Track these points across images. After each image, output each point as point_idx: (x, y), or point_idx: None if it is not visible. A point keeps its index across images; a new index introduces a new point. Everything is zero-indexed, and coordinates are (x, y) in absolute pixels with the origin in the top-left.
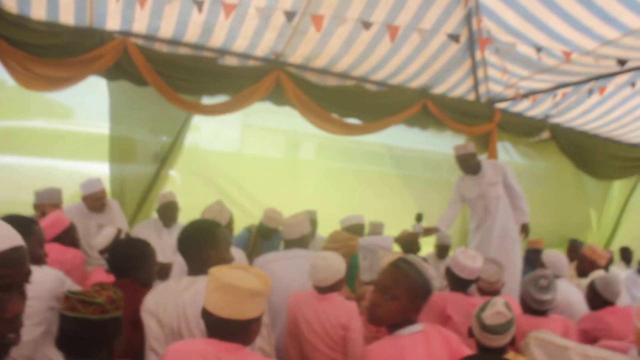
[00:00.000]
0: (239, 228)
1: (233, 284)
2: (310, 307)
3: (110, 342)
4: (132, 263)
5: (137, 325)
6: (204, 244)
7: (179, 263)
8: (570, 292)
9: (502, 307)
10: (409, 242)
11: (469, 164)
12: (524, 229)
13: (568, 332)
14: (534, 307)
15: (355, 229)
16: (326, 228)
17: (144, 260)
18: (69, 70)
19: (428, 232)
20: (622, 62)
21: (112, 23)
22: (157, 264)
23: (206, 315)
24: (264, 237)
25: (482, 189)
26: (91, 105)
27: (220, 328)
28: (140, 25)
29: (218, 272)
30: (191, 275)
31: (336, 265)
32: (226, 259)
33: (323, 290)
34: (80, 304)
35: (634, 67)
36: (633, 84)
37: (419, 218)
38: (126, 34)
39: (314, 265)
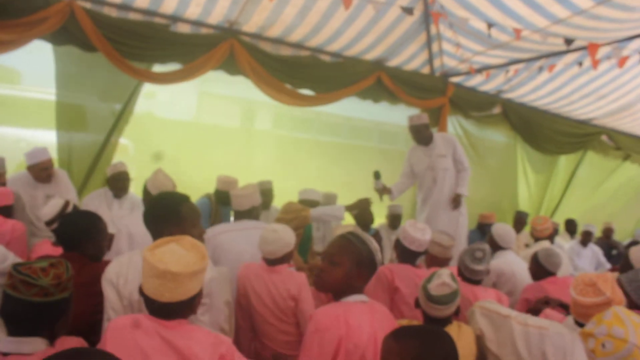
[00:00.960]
0: (192, 198)
1: (171, 270)
2: (260, 279)
3: (53, 324)
4: (80, 237)
5: (84, 299)
6: (168, 221)
7: (126, 232)
8: (514, 262)
9: (448, 279)
10: (362, 210)
11: (421, 135)
12: (456, 199)
13: (501, 303)
14: (466, 275)
15: (310, 204)
16: (282, 198)
17: (94, 234)
18: (9, 33)
19: (385, 190)
20: (568, 41)
21: None
22: (107, 237)
23: (146, 299)
24: (222, 203)
25: (431, 160)
26: (39, 70)
27: (164, 311)
28: None
29: (152, 257)
30: None
31: (285, 237)
32: (193, 235)
33: (272, 262)
34: (22, 285)
35: (579, 47)
36: (580, 63)
37: (376, 175)
38: None
39: (263, 238)
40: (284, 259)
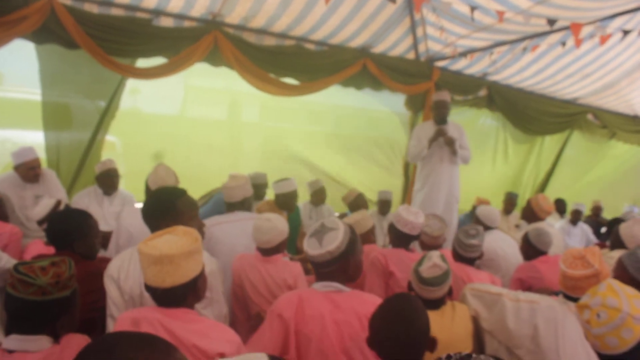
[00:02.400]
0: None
1: (167, 253)
2: (255, 269)
3: (54, 322)
4: (71, 235)
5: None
6: (165, 215)
7: (124, 228)
8: (498, 240)
9: (438, 260)
10: (356, 199)
11: (445, 112)
12: (444, 135)
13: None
14: (461, 252)
15: (287, 197)
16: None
17: (84, 232)
18: None
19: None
20: (551, 22)
21: None
22: (99, 235)
23: (151, 290)
24: None
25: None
26: (22, 70)
27: (169, 297)
28: None
29: (147, 247)
30: None
31: (279, 226)
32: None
33: (267, 252)
34: (21, 284)
35: (562, 27)
36: (564, 43)
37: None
38: None
39: (257, 227)
40: (279, 247)
